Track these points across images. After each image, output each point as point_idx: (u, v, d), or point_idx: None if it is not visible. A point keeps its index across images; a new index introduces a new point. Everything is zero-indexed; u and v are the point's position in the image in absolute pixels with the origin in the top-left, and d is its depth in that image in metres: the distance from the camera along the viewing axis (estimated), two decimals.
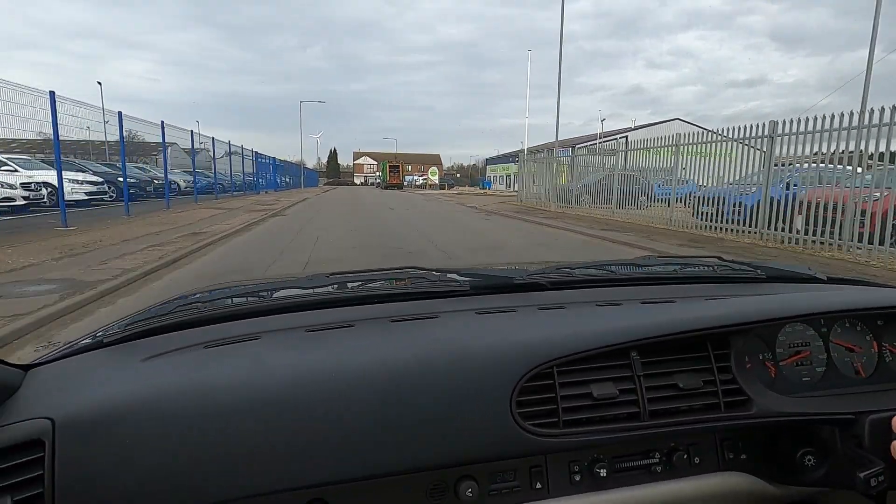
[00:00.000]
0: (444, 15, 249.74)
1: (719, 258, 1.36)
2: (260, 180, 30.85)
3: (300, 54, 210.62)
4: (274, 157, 38.65)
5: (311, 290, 1.09)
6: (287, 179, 43.06)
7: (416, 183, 61.27)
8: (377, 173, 77.91)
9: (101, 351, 0.87)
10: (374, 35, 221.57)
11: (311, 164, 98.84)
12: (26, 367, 0.82)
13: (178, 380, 0.75)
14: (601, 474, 0.82)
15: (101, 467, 0.65)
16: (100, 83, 44.58)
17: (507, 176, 59.60)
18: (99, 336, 0.93)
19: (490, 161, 74.50)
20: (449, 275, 1.16)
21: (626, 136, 21.82)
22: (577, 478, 0.83)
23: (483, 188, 55.66)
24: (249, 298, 1.08)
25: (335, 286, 1.10)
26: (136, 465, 0.65)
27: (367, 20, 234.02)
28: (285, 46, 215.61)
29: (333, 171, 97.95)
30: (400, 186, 53.25)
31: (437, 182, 57.58)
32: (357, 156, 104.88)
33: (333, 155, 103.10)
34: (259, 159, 30.57)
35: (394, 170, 54.45)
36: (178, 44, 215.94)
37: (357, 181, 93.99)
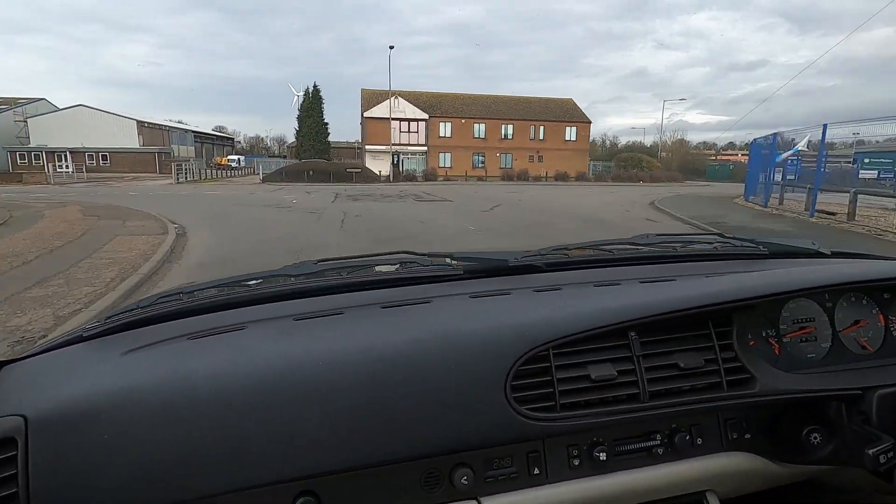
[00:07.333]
0: None
1: (720, 235, 1.35)
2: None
3: (304, 38, 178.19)
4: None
5: (298, 279, 1.06)
6: None
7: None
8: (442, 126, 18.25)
9: (79, 346, 0.85)
10: (377, 17, 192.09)
11: (290, 140, 54.11)
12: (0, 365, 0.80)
13: (159, 372, 0.73)
14: (601, 458, 0.81)
15: (79, 464, 0.63)
16: None
17: None
18: (78, 331, 0.89)
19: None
20: (442, 259, 1.13)
21: None
22: (577, 462, 0.82)
23: None
24: (235, 289, 1.05)
25: (324, 273, 1.07)
26: (115, 462, 0.64)
27: (371, 2, 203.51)
28: (289, 30, 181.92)
29: (313, 140, 43.47)
30: None
31: None
32: (371, 100, 37.82)
33: (314, 104, 44.45)
34: None
35: None
36: (179, 27, 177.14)
37: (376, 168, 34.21)
